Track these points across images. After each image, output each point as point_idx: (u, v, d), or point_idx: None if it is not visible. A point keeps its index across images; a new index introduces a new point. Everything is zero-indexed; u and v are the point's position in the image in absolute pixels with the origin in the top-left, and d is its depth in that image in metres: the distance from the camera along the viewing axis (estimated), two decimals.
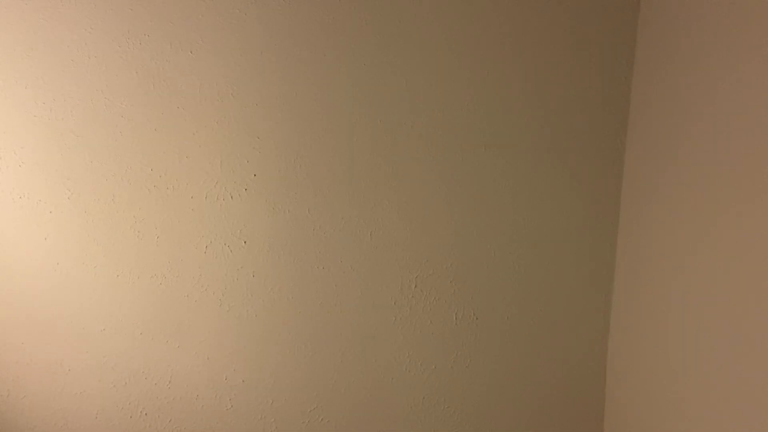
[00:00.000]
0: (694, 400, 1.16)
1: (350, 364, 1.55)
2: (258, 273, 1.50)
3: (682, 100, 1.22)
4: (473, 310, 1.54)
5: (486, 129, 1.45)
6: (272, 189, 1.47)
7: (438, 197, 1.48)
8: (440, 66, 1.43)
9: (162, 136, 1.44)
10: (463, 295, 1.53)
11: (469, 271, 1.51)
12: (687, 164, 1.19)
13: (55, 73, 1.40)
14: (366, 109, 1.44)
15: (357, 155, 1.46)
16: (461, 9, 1.40)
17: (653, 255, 1.33)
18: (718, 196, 1.09)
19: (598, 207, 1.49)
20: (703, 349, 1.13)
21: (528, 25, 1.41)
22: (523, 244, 1.50)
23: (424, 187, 1.48)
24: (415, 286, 1.52)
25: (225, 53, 1.41)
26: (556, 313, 1.54)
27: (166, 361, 1.53)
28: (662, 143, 1.30)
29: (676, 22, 1.25)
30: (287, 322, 1.53)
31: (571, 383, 1.58)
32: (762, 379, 0.96)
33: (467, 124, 1.45)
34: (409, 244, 1.50)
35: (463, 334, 1.55)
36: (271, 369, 1.55)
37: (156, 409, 1.55)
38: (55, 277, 1.49)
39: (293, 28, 1.41)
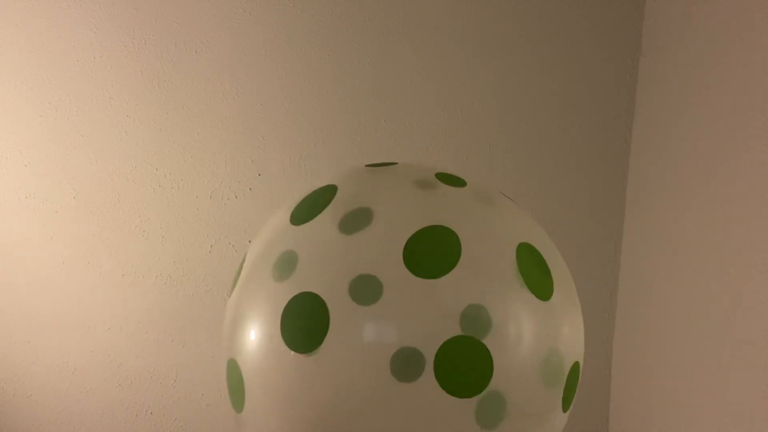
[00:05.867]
0: (699, 400, 1.16)
1: None
2: None
3: (688, 92, 1.22)
4: None
5: (489, 127, 1.45)
6: (276, 188, 1.47)
7: None
8: (443, 64, 1.43)
9: (166, 136, 1.44)
10: None
11: None
12: (694, 158, 1.19)
13: (60, 73, 1.41)
14: (369, 108, 1.44)
15: (360, 154, 1.46)
16: (462, 7, 1.40)
17: (659, 252, 1.33)
18: (727, 191, 1.08)
19: (603, 203, 1.49)
20: (709, 349, 1.13)
21: (528, 16, 1.41)
22: None
23: None
24: None
25: (229, 53, 1.41)
26: None
27: (171, 360, 1.53)
28: (669, 137, 1.29)
29: (683, 9, 1.25)
30: None
31: None
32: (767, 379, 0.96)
33: (471, 122, 1.45)
34: None
35: None
36: None
37: (161, 407, 1.56)
38: (60, 276, 1.49)
39: (297, 28, 1.41)
